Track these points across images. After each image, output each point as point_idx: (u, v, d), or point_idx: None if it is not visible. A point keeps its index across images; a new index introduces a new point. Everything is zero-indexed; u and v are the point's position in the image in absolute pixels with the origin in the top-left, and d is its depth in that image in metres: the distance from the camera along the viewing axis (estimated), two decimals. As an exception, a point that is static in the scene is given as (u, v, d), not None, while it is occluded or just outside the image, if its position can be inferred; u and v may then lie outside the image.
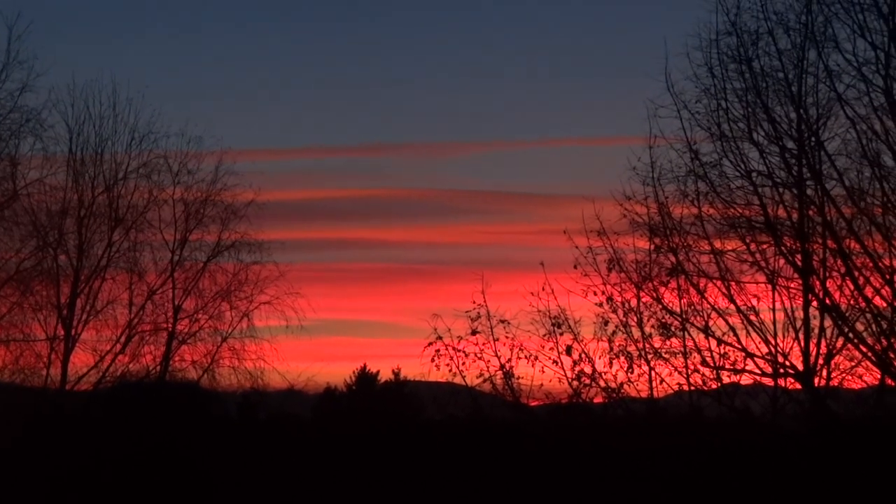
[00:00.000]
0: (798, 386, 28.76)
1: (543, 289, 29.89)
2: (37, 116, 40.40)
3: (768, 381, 29.17)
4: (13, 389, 40.37)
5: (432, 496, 31.01)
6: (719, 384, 29.37)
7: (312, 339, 46.34)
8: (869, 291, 27.66)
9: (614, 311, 29.61)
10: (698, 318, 29.15)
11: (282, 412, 42.54)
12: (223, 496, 32.66)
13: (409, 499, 31.20)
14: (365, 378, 43.99)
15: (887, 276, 27.45)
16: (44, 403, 39.90)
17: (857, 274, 27.66)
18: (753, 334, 28.79)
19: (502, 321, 30.24)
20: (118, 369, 42.27)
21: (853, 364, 28.38)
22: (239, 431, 39.27)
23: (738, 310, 28.86)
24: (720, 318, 28.99)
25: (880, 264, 27.54)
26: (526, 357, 30.16)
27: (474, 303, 30.34)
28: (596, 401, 30.17)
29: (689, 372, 29.25)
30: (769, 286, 28.89)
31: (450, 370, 30.64)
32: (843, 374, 28.68)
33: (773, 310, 28.99)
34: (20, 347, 40.90)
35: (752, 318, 28.86)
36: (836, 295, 28.01)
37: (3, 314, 40.40)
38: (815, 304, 28.36)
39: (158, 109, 47.41)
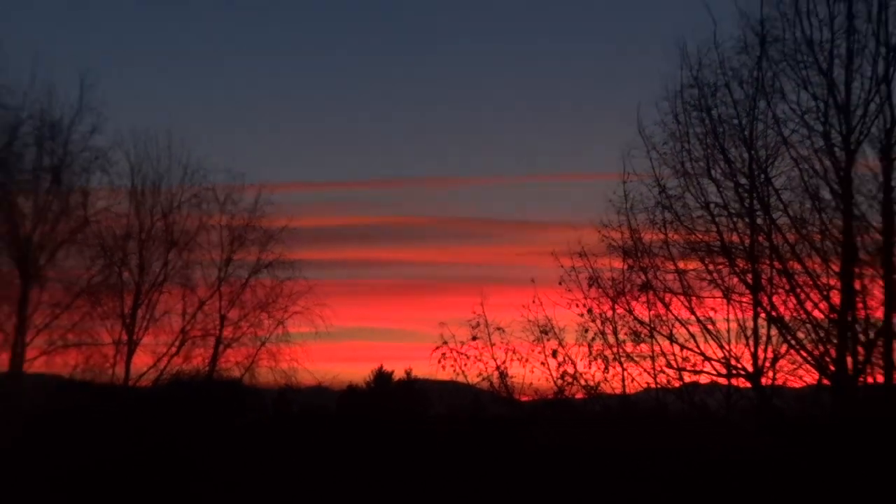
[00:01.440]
0: (748, 385, 28.69)
1: (533, 301, 30.01)
2: (104, 155, 41.07)
3: (723, 381, 29.12)
4: (80, 385, 40.54)
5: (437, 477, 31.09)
6: (681, 383, 29.35)
7: (337, 343, 46.82)
8: (809, 305, 27.70)
9: (593, 321, 29.66)
10: (664, 327, 29.13)
11: (311, 405, 42.75)
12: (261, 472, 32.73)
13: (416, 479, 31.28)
14: (381, 377, 44.13)
15: (824, 293, 27.50)
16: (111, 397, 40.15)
17: (798, 290, 27.72)
18: (710, 341, 28.77)
19: (498, 329, 30.38)
20: (173, 368, 42.44)
21: (795, 367, 28.22)
22: (275, 422, 39.51)
23: (698, 320, 28.85)
24: (682, 327, 29.00)
25: (819, 283, 27.61)
26: (518, 359, 30.20)
27: (475, 313, 30.46)
28: (577, 397, 30.19)
29: (656, 373, 29.24)
30: (724, 300, 28.83)
31: (454, 370, 30.65)
32: (787, 375, 28.54)
33: (728, 320, 28.89)
34: (90, 350, 41.07)
35: (710, 327, 28.83)
36: (781, 308, 28.09)
37: (76, 322, 40.66)
38: (763, 315, 28.36)
39: (207, 148, 48.06)
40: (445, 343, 30.36)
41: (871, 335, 27.35)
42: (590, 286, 29.66)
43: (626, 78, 69.32)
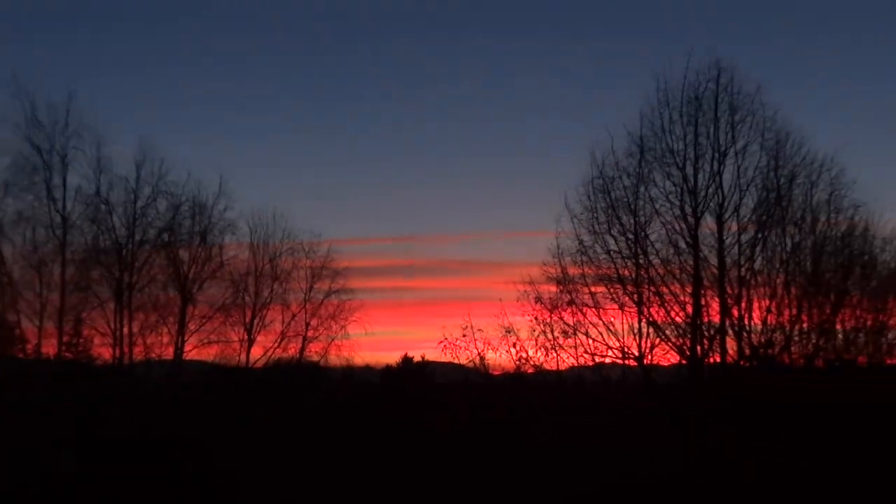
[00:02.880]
0: (635, 364, 28.55)
1: (501, 312, 29.48)
2: (233, 223, 41.43)
3: (620, 362, 28.85)
4: (218, 367, 40.78)
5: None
6: (594, 363, 29.06)
7: (378, 338, 46.85)
8: (673, 314, 27.84)
9: (539, 324, 29.12)
10: (582, 328, 28.71)
11: (362, 379, 42.83)
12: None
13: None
14: (406, 360, 44.00)
15: (682, 306, 27.67)
16: (235, 374, 40.33)
17: (666, 304, 27.82)
18: (612, 336, 28.56)
19: (479, 329, 29.79)
20: (277, 356, 42.58)
21: (665, 352, 28.21)
22: (341, 388, 39.65)
23: (604, 324, 28.64)
24: (594, 328, 28.68)
25: (679, 300, 27.76)
26: (492, 348, 29.73)
27: (464, 320, 30.03)
28: (529, 371, 29.80)
29: (578, 357, 28.92)
30: (620, 311, 28.65)
31: (451, 356, 30.30)
32: (660, 358, 28.44)
33: (623, 323, 28.71)
34: (224, 345, 41.33)
35: (611, 328, 28.63)
36: (656, 315, 28.05)
37: (216, 327, 40.87)
38: (644, 320, 28.28)
39: (298, 220, 48.57)
40: (446, 338, 29.97)
41: (712, 332, 27.54)
42: (536, 302, 29.14)
43: (558, 170, 69.35)
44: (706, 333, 27.53)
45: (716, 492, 20.51)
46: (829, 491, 19.89)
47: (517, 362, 29.56)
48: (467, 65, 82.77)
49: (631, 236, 28.44)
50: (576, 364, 29.32)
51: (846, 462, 21.10)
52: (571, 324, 28.85)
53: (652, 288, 28.01)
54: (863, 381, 25.67)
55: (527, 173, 76.89)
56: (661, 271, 28.07)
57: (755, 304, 27.38)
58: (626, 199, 28.52)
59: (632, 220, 28.46)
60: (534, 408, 27.94)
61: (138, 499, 23.83)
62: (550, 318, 28.99)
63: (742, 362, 27.22)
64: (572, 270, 29.21)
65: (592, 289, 28.86)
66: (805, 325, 27.68)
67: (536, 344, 29.17)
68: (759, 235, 27.57)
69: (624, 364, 28.93)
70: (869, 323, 29.09)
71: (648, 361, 28.42)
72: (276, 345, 42.49)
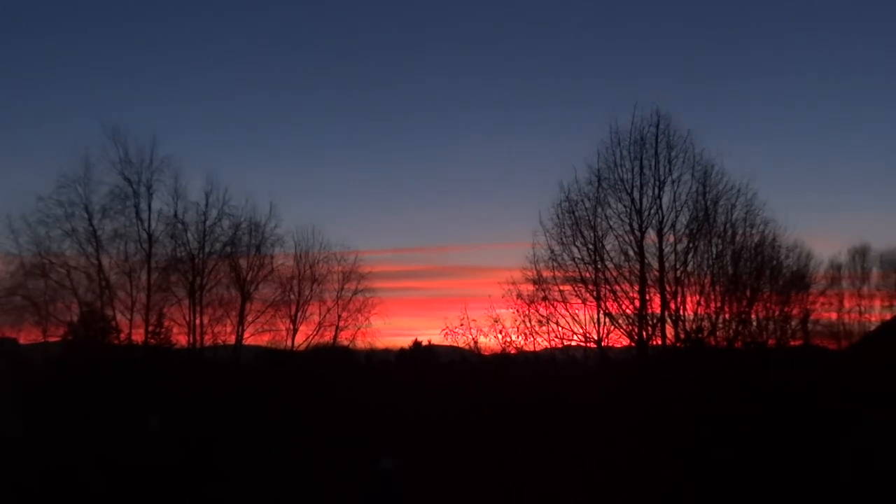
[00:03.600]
0: (595, 346, 28.62)
1: (490, 306, 29.84)
2: (281, 238, 40.99)
3: (583, 345, 28.85)
4: (270, 350, 41.02)
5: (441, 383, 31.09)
6: (563, 345, 29.13)
7: (394, 327, 46.73)
8: (625, 306, 27.94)
9: (519, 315, 29.05)
10: (554, 318, 28.72)
11: (382, 359, 42.88)
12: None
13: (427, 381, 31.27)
14: (416, 344, 44.17)
15: (632, 300, 27.79)
16: (282, 357, 40.54)
17: (619, 300, 27.97)
18: (576, 324, 28.58)
19: (473, 320, 30.21)
20: (316, 341, 42.69)
21: (618, 337, 28.26)
22: (365, 366, 39.80)
23: (570, 315, 28.69)
24: (562, 318, 28.70)
25: (629, 295, 27.87)
26: (483, 334, 30.04)
27: (461, 312, 30.41)
28: (512, 352, 29.86)
29: (550, 340, 29.01)
30: (583, 304, 28.67)
31: (451, 340, 30.59)
32: (614, 341, 28.48)
33: (585, 314, 28.64)
34: (274, 333, 41.14)
35: (576, 318, 28.65)
36: (611, 308, 28.14)
37: (268, 319, 40.76)
38: (602, 312, 28.28)
39: (330, 234, 48.62)
40: (447, 327, 30.29)
41: (655, 321, 27.69)
42: (517, 298, 29.12)
43: (534, 194, 69.83)
44: (650, 322, 27.71)
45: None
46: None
47: (503, 345, 29.74)
48: (466, 114, 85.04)
49: (591, 247, 28.49)
50: (548, 346, 29.46)
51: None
52: (545, 315, 28.79)
53: (608, 287, 28.12)
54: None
55: (510, 198, 78.27)
56: (614, 274, 28.18)
57: (688, 299, 27.57)
58: (586, 218, 28.60)
59: (591, 234, 28.51)
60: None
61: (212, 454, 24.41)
62: (528, 310, 28.94)
63: (678, 344, 27.45)
64: (545, 273, 29.18)
65: (561, 287, 28.87)
66: (727, 316, 27.83)
67: (518, 331, 29.14)
68: (691, 245, 27.76)
69: (586, 346, 28.95)
70: (777, 314, 29.46)
71: (605, 344, 28.53)
72: (315, 333, 42.35)
